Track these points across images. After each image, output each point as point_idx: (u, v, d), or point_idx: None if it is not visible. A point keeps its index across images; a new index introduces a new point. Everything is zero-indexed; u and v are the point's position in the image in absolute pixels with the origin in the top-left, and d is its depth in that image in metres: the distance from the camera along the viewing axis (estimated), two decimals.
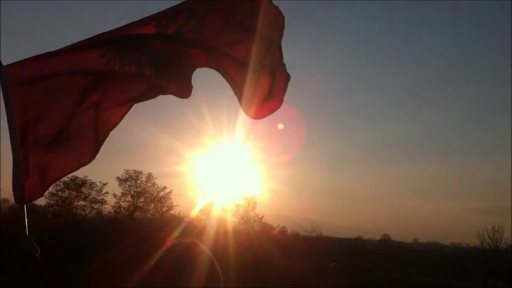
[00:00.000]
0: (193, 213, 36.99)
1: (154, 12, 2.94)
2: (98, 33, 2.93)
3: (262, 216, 41.14)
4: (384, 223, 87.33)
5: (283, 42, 3.11)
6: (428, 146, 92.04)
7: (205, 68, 3.11)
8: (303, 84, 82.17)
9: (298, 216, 61.45)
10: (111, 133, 3.05)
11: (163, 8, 2.91)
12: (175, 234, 23.93)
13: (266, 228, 39.70)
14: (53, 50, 2.86)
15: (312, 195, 74.97)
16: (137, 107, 3.03)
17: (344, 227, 71.15)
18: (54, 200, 38.77)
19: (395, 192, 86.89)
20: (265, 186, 47.77)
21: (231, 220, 38.23)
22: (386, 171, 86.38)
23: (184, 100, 3.07)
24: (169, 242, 2.02)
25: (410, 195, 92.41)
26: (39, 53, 2.84)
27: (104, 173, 69.71)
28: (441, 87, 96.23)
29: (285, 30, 3.08)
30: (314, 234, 40.43)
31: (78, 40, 2.91)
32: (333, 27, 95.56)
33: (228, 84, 3.13)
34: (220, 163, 44.98)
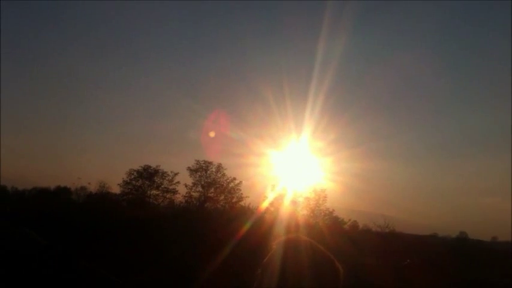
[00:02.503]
0: (264, 205, 37.10)
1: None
2: None
3: (333, 210, 40.73)
4: (460, 220, 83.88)
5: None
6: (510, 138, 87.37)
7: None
8: (375, 75, 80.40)
9: (369, 211, 60.16)
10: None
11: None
12: (246, 226, 24.03)
13: (337, 223, 39.21)
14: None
15: (384, 189, 73.34)
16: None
17: (418, 223, 68.96)
18: (128, 189, 39.97)
19: (473, 188, 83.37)
20: (335, 179, 46.97)
21: (301, 213, 38.08)
22: (464, 165, 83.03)
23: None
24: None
25: (489, 191, 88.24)
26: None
27: (176, 163, 71.24)
28: None
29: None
30: (387, 230, 39.45)
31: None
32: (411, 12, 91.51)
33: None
34: (290, 155, 45.19)
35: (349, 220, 42.29)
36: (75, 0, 77.01)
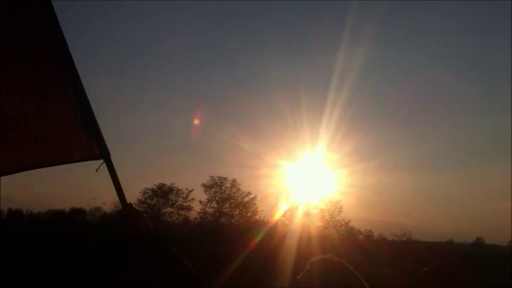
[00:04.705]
0: (277, 217, 37.05)
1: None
2: None
3: (349, 221, 40.49)
4: (476, 226, 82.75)
5: None
6: None
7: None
8: (393, 87, 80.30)
9: (385, 220, 59.77)
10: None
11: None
12: (258, 238, 24.06)
13: (353, 233, 38.85)
14: None
15: (400, 199, 72.68)
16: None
17: (434, 231, 68.14)
18: (142, 207, 40.10)
19: (488, 193, 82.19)
20: (350, 191, 46.87)
21: (315, 225, 37.84)
22: (479, 171, 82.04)
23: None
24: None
25: (504, 196, 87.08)
26: None
27: (190, 180, 71.46)
28: None
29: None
30: (404, 238, 39.11)
31: None
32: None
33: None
34: (304, 167, 45.12)
35: (366, 230, 42.04)
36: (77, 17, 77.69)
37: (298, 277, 2.27)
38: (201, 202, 40.64)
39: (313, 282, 2.17)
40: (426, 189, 79.38)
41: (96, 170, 2.59)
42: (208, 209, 40.75)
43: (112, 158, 2.61)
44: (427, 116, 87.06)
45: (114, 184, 2.58)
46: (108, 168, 2.58)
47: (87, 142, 2.63)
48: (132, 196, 41.63)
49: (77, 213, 42.07)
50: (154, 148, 72.32)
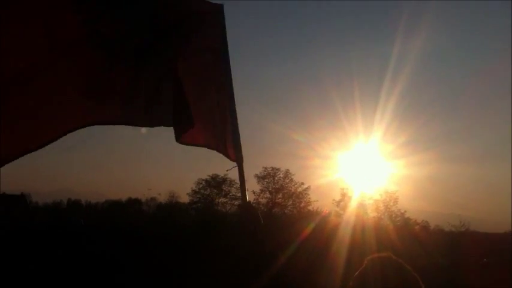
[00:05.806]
0: (330, 208, 36.71)
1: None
2: None
3: (405, 211, 39.57)
4: None
5: None
6: None
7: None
8: (453, 76, 78.33)
9: (443, 212, 58.25)
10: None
11: None
12: (309, 228, 23.86)
13: (409, 224, 37.92)
14: None
15: (457, 189, 71.17)
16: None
17: (493, 221, 66.22)
18: (196, 198, 40.74)
19: None
20: (405, 182, 45.96)
21: (370, 215, 37.16)
22: None
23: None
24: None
25: None
26: None
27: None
28: None
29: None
30: (463, 229, 37.85)
31: None
32: None
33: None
34: (357, 157, 44.61)
35: (422, 221, 41.05)
36: None
37: (356, 274, 2.27)
38: (254, 192, 40.80)
39: (370, 280, 2.19)
40: (485, 180, 77.57)
41: (227, 171, 3.18)
42: (261, 199, 40.91)
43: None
44: (486, 105, 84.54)
45: (240, 185, 3.09)
46: (239, 172, 3.08)
47: (227, 146, 3.20)
48: (187, 187, 42.39)
49: (133, 203, 43.07)
50: None
